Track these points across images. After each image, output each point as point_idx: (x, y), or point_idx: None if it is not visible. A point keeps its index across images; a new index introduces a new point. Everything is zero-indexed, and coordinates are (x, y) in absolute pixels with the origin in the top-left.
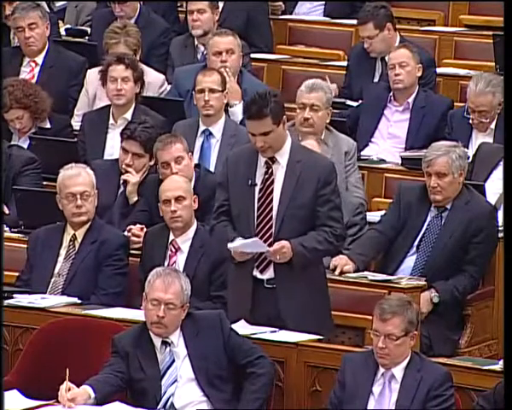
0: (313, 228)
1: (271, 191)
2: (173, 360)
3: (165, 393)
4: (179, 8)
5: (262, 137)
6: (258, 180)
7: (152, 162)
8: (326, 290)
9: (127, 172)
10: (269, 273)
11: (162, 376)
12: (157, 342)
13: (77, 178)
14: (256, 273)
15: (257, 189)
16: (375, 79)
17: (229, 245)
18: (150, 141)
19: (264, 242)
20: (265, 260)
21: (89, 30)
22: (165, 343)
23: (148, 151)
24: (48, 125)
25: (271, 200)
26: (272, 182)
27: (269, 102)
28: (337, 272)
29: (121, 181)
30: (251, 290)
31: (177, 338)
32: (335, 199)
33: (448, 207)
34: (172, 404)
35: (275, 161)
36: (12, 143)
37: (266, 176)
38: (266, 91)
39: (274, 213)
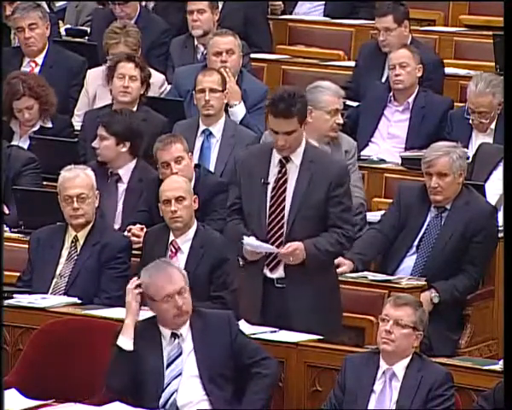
0: (324, 229)
1: (284, 190)
2: (180, 353)
3: (167, 386)
4: None
5: (285, 136)
6: (271, 179)
7: (126, 148)
8: (337, 292)
9: None
10: (279, 272)
11: (167, 367)
12: (166, 333)
13: (74, 180)
14: (266, 272)
15: (269, 187)
16: (384, 78)
17: (245, 240)
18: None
19: (275, 241)
20: (276, 259)
21: (88, 30)
22: (174, 335)
23: (113, 134)
24: (50, 125)
25: (284, 199)
26: (285, 181)
27: (296, 102)
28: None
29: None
30: (261, 290)
31: (185, 332)
32: (347, 201)
33: (448, 207)
34: (175, 401)
35: (289, 160)
36: (12, 143)
37: (280, 175)
38: (294, 90)
39: (286, 212)
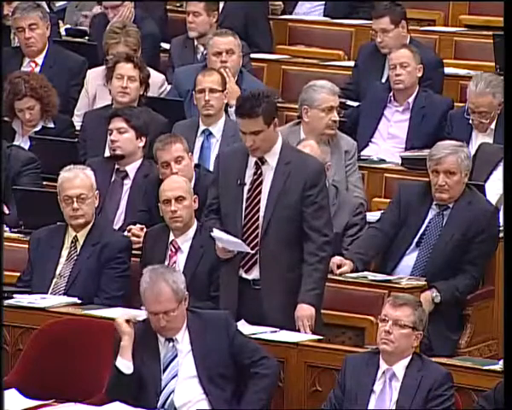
0: (300, 230)
1: (259, 192)
2: (175, 355)
3: (165, 387)
4: (179, 9)
5: (252, 136)
6: (248, 180)
7: (142, 143)
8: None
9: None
10: (254, 273)
11: (164, 370)
12: (161, 337)
13: (73, 180)
14: (241, 273)
15: (245, 189)
16: (384, 79)
17: (214, 232)
18: (136, 117)
19: (251, 242)
20: (251, 260)
21: (88, 29)
22: (169, 339)
23: (133, 127)
24: (51, 125)
25: (259, 200)
26: (261, 183)
27: (261, 102)
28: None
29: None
30: (237, 290)
31: (181, 335)
32: (321, 200)
33: (450, 205)
34: (172, 402)
35: (264, 162)
36: (14, 143)
37: (255, 176)
38: (260, 91)
39: (261, 213)
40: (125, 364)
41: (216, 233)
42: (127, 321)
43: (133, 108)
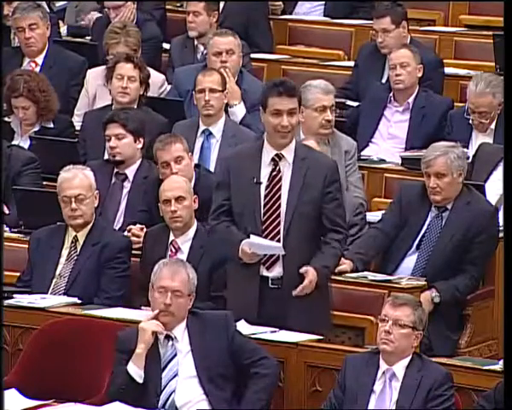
0: (320, 226)
1: (279, 189)
2: (175, 355)
3: (165, 387)
4: (179, 9)
5: (288, 117)
6: (264, 178)
7: (141, 145)
8: (327, 289)
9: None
10: (276, 271)
11: (163, 369)
12: (160, 336)
13: (72, 181)
14: (263, 271)
15: (262, 187)
16: (384, 79)
17: (247, 240)
18: (132, 121)
19: (272, 239)
20: (272, 257)
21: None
22: (168, 337)
23: (130, 131)
24: (51, 125)
25: (279, 197)
26: (280, 179)
27: (295, 87)
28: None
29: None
30: (257, 291)
31: (181, 334)
32: (340, 197)
33: (448, 207)
34: (173, 402)
35: (281, 158)
36: (13, 143)
37: (274, 173)
38: (290, 80)
39: (282, 210)
40: (137, 372)
41: (252, 239)
42: (153, 332)
43: (128, 110)
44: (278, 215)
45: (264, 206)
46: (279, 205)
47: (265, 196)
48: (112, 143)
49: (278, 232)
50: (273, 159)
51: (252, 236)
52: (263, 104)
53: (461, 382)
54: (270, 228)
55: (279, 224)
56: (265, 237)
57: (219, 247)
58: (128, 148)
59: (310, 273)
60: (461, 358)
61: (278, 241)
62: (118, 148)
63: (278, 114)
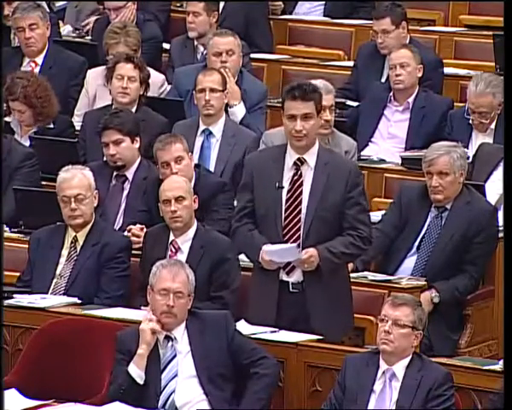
0: (340, 231)
1: (300, 193)
2: (175, 355)
3: (165, 387)
4: (179, 9)
5: (302, 122)
6: (286, 183)
7: (138, 144)
8: (350, 292)
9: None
10: (296, 275)
11: (162, 370)
12: (160, 337)
13: (71, 180)
14: (282, 275)
15: (284, 191)
16: (383, 79)
17: (265, 248)
18: (126, 123)
19: (292, 243)
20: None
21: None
22: (167, 338)
23: (127, 134)
24: (51, 125)
25: (300, 202)
26: (301, 184)
27: (312, 89)
28: None
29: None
30: (276, 295)
31: (180, 334)
32: (363, 201)
33: (448, 207)
34: (173, 402)
35: (303, 162)
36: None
37: (295, 177)
38: (309, 82)
39: (303, 215)
40: (137, 373)
41: (268, 247)
42: (153, 332)
43: (119, 112)
44: (299, 220)
45: (286, 210)
46: (300, 210)
47: (287, 201)
48: (111, 150)
49: (299, 237)
50: (295, 163)
51: (265, 246)
52: (282, 107)
53: (461, 382)
54: (291, 232)
55: (299, 228)
56: (286, 241)
57: (225, 245)
58: (128, 151)
59: (310, 250)
60: (461, 358)
61: (298, 246)
62: (118, 154)
63: (293, 119)
